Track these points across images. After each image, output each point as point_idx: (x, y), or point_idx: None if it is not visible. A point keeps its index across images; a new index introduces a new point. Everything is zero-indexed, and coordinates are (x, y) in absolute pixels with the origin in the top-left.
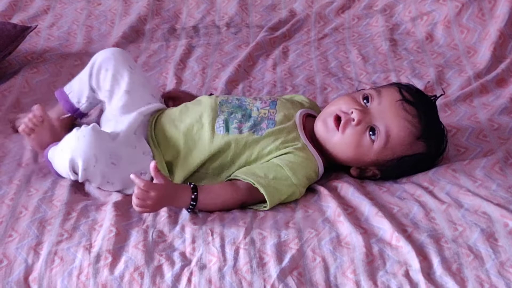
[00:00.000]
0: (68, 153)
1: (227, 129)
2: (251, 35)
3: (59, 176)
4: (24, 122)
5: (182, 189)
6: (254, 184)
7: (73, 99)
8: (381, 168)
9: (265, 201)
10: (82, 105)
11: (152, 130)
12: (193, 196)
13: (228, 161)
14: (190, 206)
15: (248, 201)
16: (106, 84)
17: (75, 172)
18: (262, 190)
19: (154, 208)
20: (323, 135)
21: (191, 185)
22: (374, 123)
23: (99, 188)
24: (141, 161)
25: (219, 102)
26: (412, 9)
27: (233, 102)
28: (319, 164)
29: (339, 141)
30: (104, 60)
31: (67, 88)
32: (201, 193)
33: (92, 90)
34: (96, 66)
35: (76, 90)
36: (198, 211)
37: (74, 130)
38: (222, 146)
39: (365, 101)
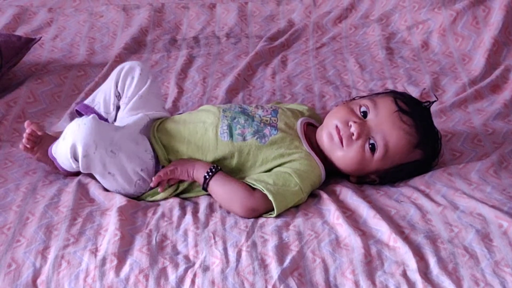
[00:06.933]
0: (70, 140)
1: (230, 135)
2: (251, 45)
3: (65, 171)
4: (22, 142)
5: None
6: (264, 191)
7: (100, 110)
8: (380, 175)
9: (271, 209)
10: (111, 114)
11: (154, 131)
12: (209, 170)
13: (232, 168)
14: (206, 175)
15: (260, 209)
16: (129, 90)
17: (76, 160)
18: (270, 197)
19: (177, 168)
20: (328, 148)
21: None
22: (372, 135)
23: (105, 190)
24: (142, 158)
25: (222, 109)
26: (408, 18)
27: (235, 109)
28: (322, 171)
29: (342, 156)
30: (131, 67)
31: (89, 102)
32: (219, 173)
33: (116, 97)
34: (124, 72)
35: (102, 101)
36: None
37: (75, 119)
38: (226, 154)
39: (362, 114)
